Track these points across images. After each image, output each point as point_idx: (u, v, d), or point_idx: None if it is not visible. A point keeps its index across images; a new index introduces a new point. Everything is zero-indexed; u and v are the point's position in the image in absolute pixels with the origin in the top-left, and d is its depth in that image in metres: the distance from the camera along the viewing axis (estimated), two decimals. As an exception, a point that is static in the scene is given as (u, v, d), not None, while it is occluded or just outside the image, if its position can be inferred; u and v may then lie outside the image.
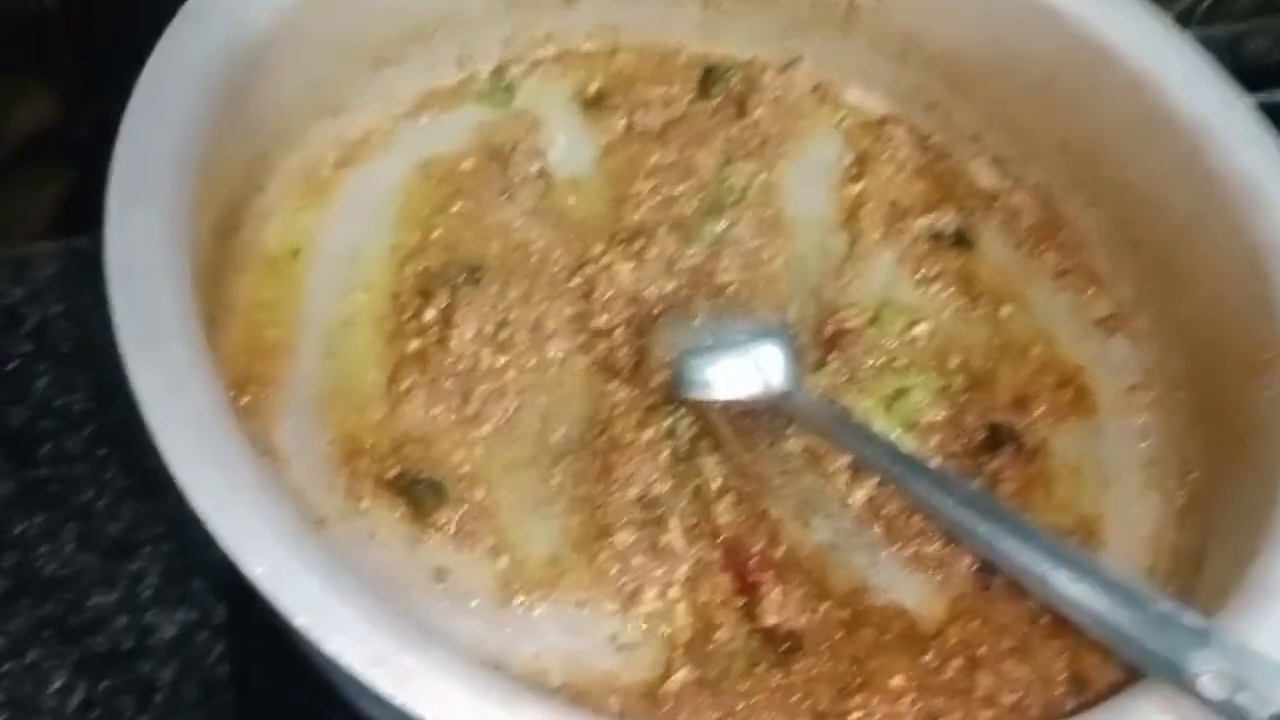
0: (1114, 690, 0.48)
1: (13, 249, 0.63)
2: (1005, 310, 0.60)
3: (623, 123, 0.62)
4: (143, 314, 0.43)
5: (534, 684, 0.48)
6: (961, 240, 0.62)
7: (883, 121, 0.65)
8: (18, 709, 0.53)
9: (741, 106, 0.63)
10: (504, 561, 0.51)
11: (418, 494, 0.51)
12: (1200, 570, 0.51)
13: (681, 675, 0.49)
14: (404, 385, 0.53)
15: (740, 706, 0.48)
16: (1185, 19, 0.79)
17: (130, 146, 0.46)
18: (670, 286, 0.57)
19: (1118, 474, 0.57)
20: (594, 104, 0.63)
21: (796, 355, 0.55)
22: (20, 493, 0.58)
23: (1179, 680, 0.43)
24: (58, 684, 0.54)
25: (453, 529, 0.51)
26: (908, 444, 0.55)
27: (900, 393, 0.56)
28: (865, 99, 0.65)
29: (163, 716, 0.54)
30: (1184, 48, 0.58)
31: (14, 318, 0.61)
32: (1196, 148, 0.57)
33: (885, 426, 0.55)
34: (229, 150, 0.51)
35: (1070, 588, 0.47)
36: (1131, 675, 0.47)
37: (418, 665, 0.39)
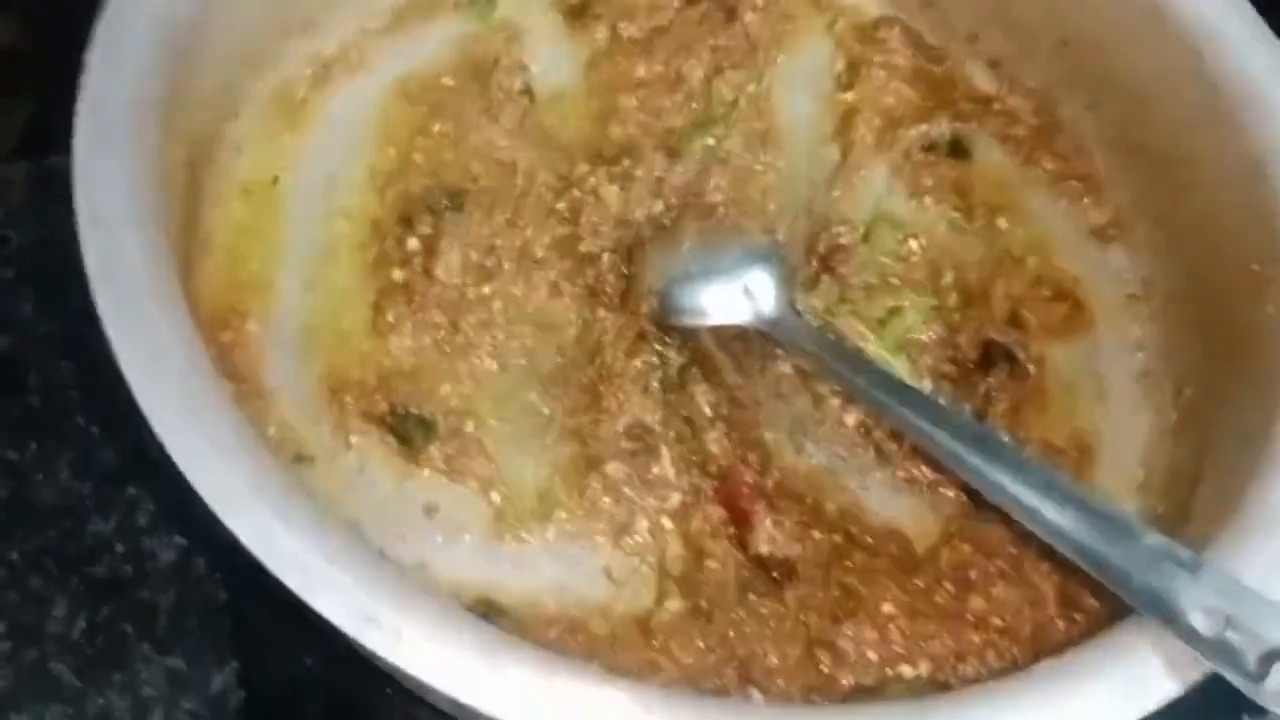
0: (1103, 612, 0.48)
1: (-17, 172, 0.61)
2: (1001, 221, 0.59)
3: (607, 33, 0.60)
4: (116, 271, 0.42)
5: (529, 619, 0.48)
6: (957, 149, 0.60)
7: (876, 23, 0.62)
8: (22, 637, 0.53)
9: (730, 12, 0.61)
10: (495, 495, 0.51)
11: (407, 429, 0.51)
12: (1195, 489, 0.51)
13: (674, 605, 0.50)
14: (389, 317, 0.53)
15: (732, 635, 0.49)
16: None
17: (93, 94, 0.45)
18: (658, 208, 0.56)
19: (1112, 388, 0.56)
20: (577, 13, 0.61)
21: (787, 278, 0.54)
22: (11, 422, 0.57)
23: (1168, 616, 0.42)
24: (60, 612, 0.54)
25: (443, 464, 0.51)
26: (900, 366, 0.54)
27: (893, 312, 0.55)
28: (858, -1, 0.63)
29: (164, 641, 0.54)
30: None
31: (-7, 242, 0.60)
32: (1199, 50, 0.55)
33: (877, 348, 0.54)
34: (196, 83, 0.50)
35: (1059, 519, 0.46)
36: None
37: (407, 624, 0.40)
